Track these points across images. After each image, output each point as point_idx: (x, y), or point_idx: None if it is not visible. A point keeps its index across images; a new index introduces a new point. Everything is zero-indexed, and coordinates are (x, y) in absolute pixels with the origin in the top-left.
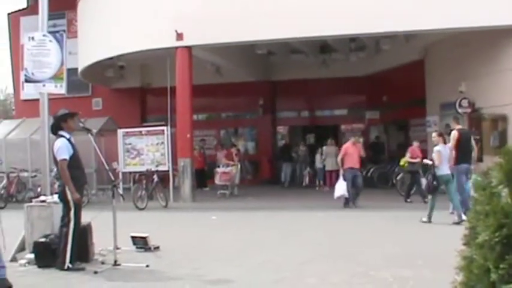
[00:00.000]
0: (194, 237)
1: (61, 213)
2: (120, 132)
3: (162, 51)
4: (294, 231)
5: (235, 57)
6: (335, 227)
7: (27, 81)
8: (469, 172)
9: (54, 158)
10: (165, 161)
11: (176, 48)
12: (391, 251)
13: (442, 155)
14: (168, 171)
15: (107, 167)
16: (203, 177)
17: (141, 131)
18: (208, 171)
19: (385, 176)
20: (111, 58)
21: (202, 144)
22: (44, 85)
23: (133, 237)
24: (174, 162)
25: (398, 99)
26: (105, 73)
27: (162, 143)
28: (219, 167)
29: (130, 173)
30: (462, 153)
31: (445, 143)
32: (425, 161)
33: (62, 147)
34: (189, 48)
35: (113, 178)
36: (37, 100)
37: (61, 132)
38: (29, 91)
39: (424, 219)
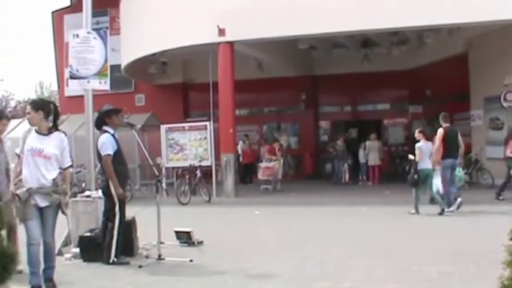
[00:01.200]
0: (237, 232)
1: (104, 207)
2: (163, 127)
3: (204, 46)
4: (337, 226)
5: (277, 52)
6: (379, 223)
7: (71, 77)
8: (455, 167)
9: (99, 154)
10: (208, 156)
11: (218, 43)
12: (435, 246)
13: (423, 151)
14: (211, 166)
15: (151, 162)
16: (249, 172)
17: (184, 127)
18: (254, 166)
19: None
20: (153, 54)
21: (246, 139)
22: (88, 81)
23: (177, 232)
24: (217, 157)
25: (442, 93)
26: (148, 69)
27: (205, 138)
28: (261, 162)
29: (173, 168)
30: (448, 149)
31: (426, 139)
32: (410, 156)
33: (106, 143)
34: (231, 43)
35: (157, 173)
36: (81, 97)
37: (105, 128)
38: (73, 88)
39: (412, 211)
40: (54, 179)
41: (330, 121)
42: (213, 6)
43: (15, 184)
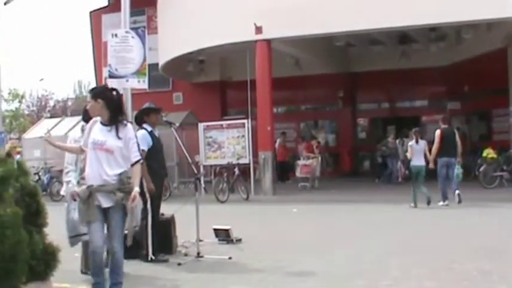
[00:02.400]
0: (276, 230)
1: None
2: (201, 125)
3: (242, 44)
4: (376, 224)
5: (314, 49)
6: (418, 220)
7: (111, 76)
8: (451, 164)
9: None
10: (245, 154)
11: (255, 41)
12: (474, 244)
13: (414, 149)
14: (249, 164)
15: (190, 160)
16: (285, 170)
17: (221, 125)
18: (289, 164)
19: (467, 168)
20: (191, 53)
21: (284, 137)
22: (127, 80)
23: (215, 230)
24: (255, 155)
25: (481, 89)
26: (186, 68)
27: (243, 136)
28: (299, 159)
29: (211, 166)
30: (444, 148)
31: (418, 139)
32: (408, 154)
33: (140, 139)
34: (268, 41)
35: (195, 171)
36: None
37: (144, 125)
38: (112, 86)
39: (412, 204)
40: (118, 176)
41: (367, 118)
42: (250, 4)
43: (78, 182)
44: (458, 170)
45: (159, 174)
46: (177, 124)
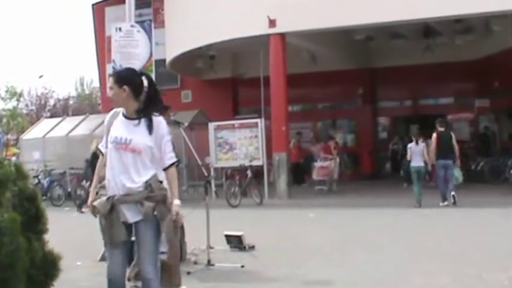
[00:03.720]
0: (291, 236)
1: None
2: (212, 125)
3: (255, 39)
4: (396, 229)
5: (331, 43)
6: (440, 225)
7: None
8: (447, 166)
9: None
10: (259, 155)
11: (269, 35)
12: (504, 251)
13: (413, 151)
14: (262, 166)
15: (199, 162)
16: (300, 172)
17: (233, 124)
18: (306, 165)
19: (496, 169)
20: (200, 48)
21: (299, 137)
22: None
23: (227, 236)
24: (269, 156)
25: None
26: (195, 64)
27: (256, 136)
28: (316, 161)
29: (222, 168)
30: (440, 151)
31: (417, 142)
32: (407, 156)
33: None
34: (282, 35)
35: (205, 174)
36: None
37: None
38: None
39: (417, 205)
40: (147, 182)
41: (389, 117)
42: None
43: (97, 193)
44: (457, 173)
45: None
46: (186, 124)
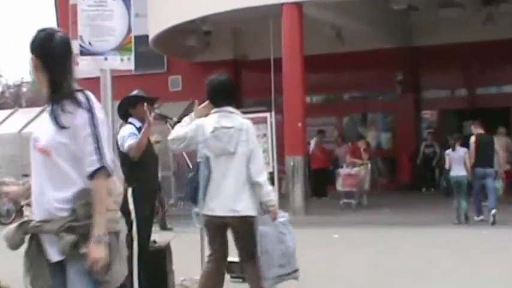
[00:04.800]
0: (310, 262)
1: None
2: None
3: (263, 9)
4: (448, 254)
5: (362, 15)
6: (493, 248)
7: (82, 53)
8: (486, 176)
9: (121, 155)
10: (268, 159)
11: (281, 5)
12: None
13: (452, 158)
14: (272, 173)
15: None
16: (322, 181)
17: None
18: (329, 173)
19: None
20: (193, 21)
21: (321, 136)
22: (105, 59)
23: (227, 263)
24: (281, 161)
25: None
26: (186, 42)
27: (264, 135)
28: (341, 167)
29: None
30: (478, 158)
31: (454, 147)
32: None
33: (128, 135)
34: (299, 4)
35: None
36: (95, 79)
37: (130, 120)
38: (84, 67)
39: (456, 221)
40: (70, 201)
41: (436, 110)
42: None
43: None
44: (498, 184)
45: (150, 187)
46: (175, 119)
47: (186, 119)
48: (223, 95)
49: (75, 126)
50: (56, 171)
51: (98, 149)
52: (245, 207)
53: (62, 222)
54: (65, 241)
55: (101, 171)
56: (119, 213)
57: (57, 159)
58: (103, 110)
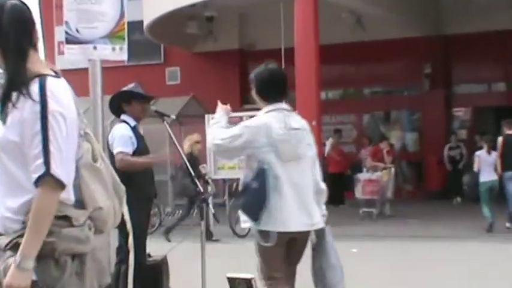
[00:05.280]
0: None
1: (117, 242)
2: (210, 119)
3: None
4: (484, 272)
5: (385, 0)
6: None
7: (69, 42)
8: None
9: (111, 155)
10: None
11: None
12: None
13: (482, 160)
14: None
15: (192, 173)
16: (339, 188)
17: (241, 117)
18: (347, 178)
19: None
20: (193, 5)
21: (338, 136)
22: (95, 48)
23: (230, 279)
24: None
25: None
26: (186, 29)
27: None
28: (361, 171)
29: (224, 181)
30: (506, 159)
31: (489, 150)
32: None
33: (121, 137)
34: None
35: (200, 189)
36: (82, 71)
37: (124, 117)
38: (72, 57)
39: (487, 229)
40: (23, 212)
41: (469, 107)
42: None
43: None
44: None
45: (145, 193)
46: (173, 116)
47: (217, 120)
48: (279, 89)
49: (23, 121)
50: (6, 175)
51: (45, 150)
52: (318, 218)
53: (11, 238)
54: (6, 262)
55: (46, 179)
56: (90, 231)
57: (7, 162)
58: (66, 101)
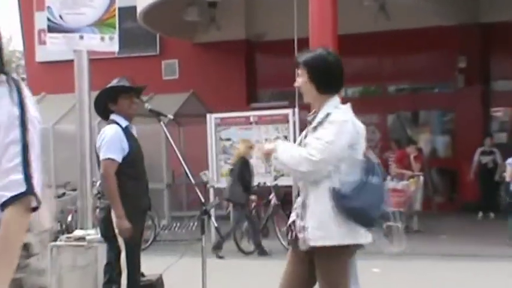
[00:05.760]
0: None
1: (106, 259)
2: (212, 119)
3: None
4: None
5: None
6: None
7: (51, 30)
8: None
9: (98, 160)
10: None
11: None
12: None
13: None
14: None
15: (192, 180)
16: None
17: (248, 118)
18: None
19: None
20: None
21: None
22: (81, 37)
23: None
24: None
25: None
26: (185, 16)
27: (285, 137)
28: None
29: None
30: None
31: None
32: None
33: (111, 141)
34: None
35: (201, 199)
36: (67, 63)
37: (113, 117)
38: (55, 47)
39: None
40: None
41: (510, 107)
42: None
43: None
44: None
45: (138, 204)
46: (171, 116)
47: (284, 150)
48: (340, 79)
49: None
50: None
51: (25, 164)
52: None
53: None
54: None
55: (24, 199)
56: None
57: None
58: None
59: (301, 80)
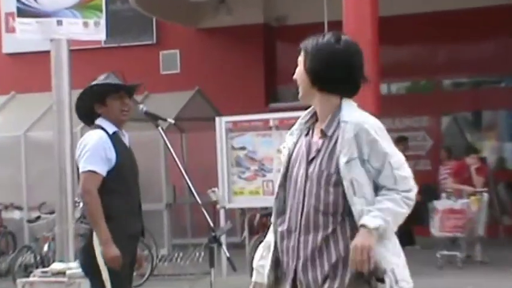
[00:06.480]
0: None
1: None
2: (222, 123)
3: None
4: None
5: None
6: None
7: (21, 14)
8: None
9: (78, 174)
10: None
11: None
12: None
13: None
14: None
15: (198, 199)
16: (410, 221)
17: (267, 121)
18: (417, 207)
19: None
20: None
21: (403, 145)
22: (59, 22)
23: None
24: None
25: None
26: None
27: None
28: (438, 198)
29: (242, 211)
30: None
31: None
32: None
33: (92, 150)
34: None
35: (210, 223)
36: (41, 54)
37: (99, 122)
38: (26, 35)
39: None
40: None
41: None
42: None
43: None
44: None
45: (127, 229)
46: (172, 120)
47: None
48: (348, 78)
49: None
50: None
51: None
52: None
53: None
54: None
55: None
56: None
57: None
58: None
59: (297, 69)
